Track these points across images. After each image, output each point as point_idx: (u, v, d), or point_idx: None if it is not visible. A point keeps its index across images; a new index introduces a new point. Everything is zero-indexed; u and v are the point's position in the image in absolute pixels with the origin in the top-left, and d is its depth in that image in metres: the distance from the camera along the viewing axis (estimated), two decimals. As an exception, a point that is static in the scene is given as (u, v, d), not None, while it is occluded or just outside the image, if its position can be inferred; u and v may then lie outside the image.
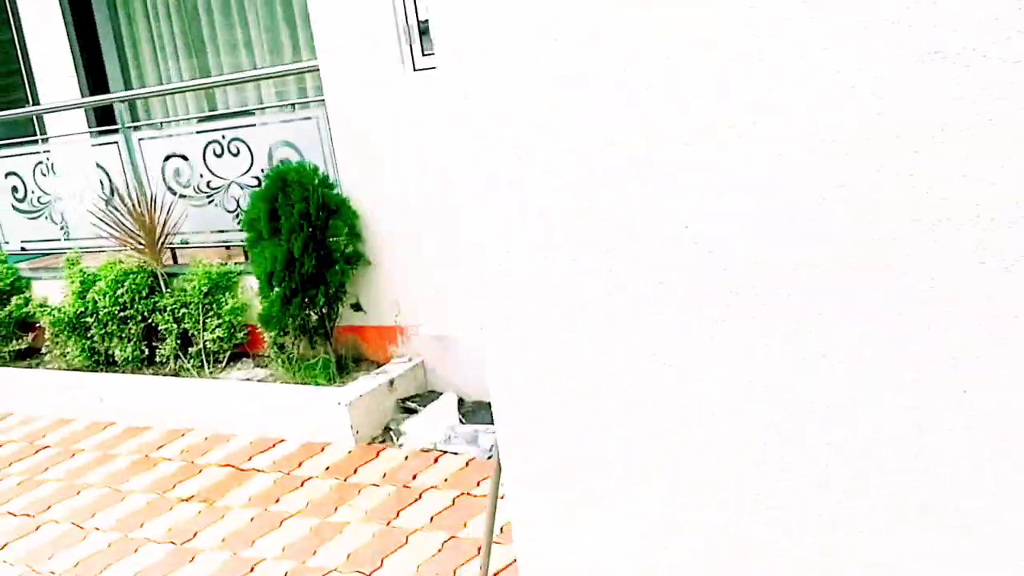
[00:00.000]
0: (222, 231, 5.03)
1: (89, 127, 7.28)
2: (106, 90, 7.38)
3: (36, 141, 6.65)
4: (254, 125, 4.87)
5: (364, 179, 4.19)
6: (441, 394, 4.14)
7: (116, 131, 5.29)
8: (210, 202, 4.86)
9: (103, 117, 7.36)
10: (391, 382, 4.07)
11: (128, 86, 7.46)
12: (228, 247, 5.02)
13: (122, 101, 5.11)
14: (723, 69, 1.25)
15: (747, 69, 1.24)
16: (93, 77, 7.40)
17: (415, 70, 3.94)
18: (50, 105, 6.62)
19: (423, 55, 3.92)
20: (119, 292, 4.71)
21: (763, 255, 1.29)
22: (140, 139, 5.01)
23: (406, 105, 3.96)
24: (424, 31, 3.88)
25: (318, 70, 4.22)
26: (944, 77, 1.14)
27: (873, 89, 1.17)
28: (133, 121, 7.29)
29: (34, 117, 7.73)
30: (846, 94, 1.18)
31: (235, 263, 4.78)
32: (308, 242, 4.00)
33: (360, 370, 4.34)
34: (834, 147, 1.21)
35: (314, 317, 4.24)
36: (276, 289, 4.09)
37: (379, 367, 4.30)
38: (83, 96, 7.35)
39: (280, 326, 4.17)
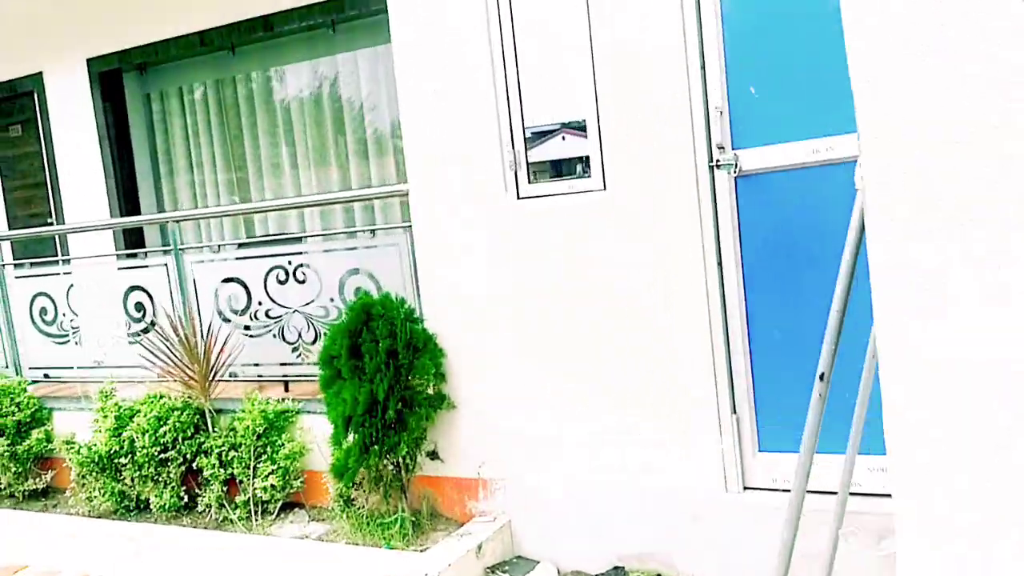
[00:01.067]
0: (275, 364, 4.61)
1: (116, 248, 6.96)
2: (137, 211, 7.11)
3: (58, 261, 6.29)
4: (324, 251, 4.51)
5: (451, 314, 3.79)
6: (535, 563, 3.62)
7: (165, 252, 4.94)
8: (267, 332, 4.45)
9: (133, 239, 7.06)
10: (479, 546, 3.56)
11: (161, 208, 7.20)
12: (285, 382, 4.58)
13: (176, 221, 4.74)
14: None
15: None
16: (125, 197, 7.14)
17: (519, 198, 3.62)
18: (94, 223, 6.32)
19: (529, 183, 3.61)
20: (162, 431, 4.21)
21: None
22: (193, 262, 4.63)
23: (508, 235, 3.62)
24: (532, 158, 3.57)
25: (407, 195, 3.89)
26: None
27: None
28: (165, 244, 6.99)
29: (56, 236, 7.42)
30: None
31: (292, 400, 4.33)
32: (393, 384, 3.56)
33: (436, 529, 3.83)
34: None
35: (390, 467, 3.76)
36: (353, 435, 3.62)
37: (459, 526, 3.79)
38: (112, 216, 7.07)
39: (353, 478, 3.67)
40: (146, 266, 5.39)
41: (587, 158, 3.48)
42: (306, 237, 5.66)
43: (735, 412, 3.31)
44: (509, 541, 3.74)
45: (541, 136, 3.59)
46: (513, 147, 3.60)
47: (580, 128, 3.48)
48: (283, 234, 6.07)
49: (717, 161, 3.21)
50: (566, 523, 3.61)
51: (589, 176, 3.47)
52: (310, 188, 6.52)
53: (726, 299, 3.28)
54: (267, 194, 6.66)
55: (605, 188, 3.42)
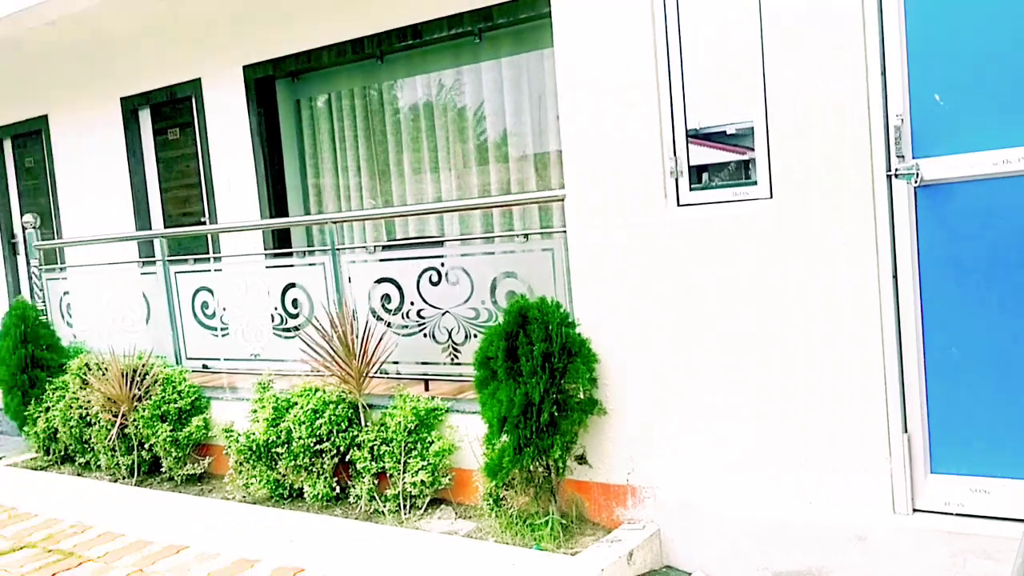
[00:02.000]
0: (413, 363, 4.72)
1: (265, 248, 7.27)
2: (285, 213, 7.41)
3: (209, 259, 6.59)
4: (477, 254, 4.59)
5: (605, 320, 3.79)
6: (687, 575, 3.57)
7: (311, 252, 5.12)
8: (419, 331, 4.56)
9: (279, 239, 7.36)
10: (630, 554, 3.54)
11: (306, 210, 7.47)
12: (425, 380, 4.69)
13: (335, 223, 4.91)
14: None
15: None
16: (275, 199, 7.45)
17: (679, 205, 3.59)
18: (255, 223, 6.62)
19: (690, 189, 3.57)
20: (318, 423, 4.37)
21: None
22: (348, 262, 4.78)
23: (666, 243, 3.59)
24: (695, 164, 3.54)
25: (562, 200, 3.92)
26: None
27: None
28: (309, 244, 7.25)
29: (208, 234, 7.79)
30: None
31: (440, 399, 4.41)
32: (548, 387, 3.59)
33: (584, 533, 3.83)
34: None
35: (541, 469, 3.78)
36: (506, 436, 3.66)
37: (606, 531, 3.78)
38: (263, 217, 7.38)
39: (506, 477, 3.71)
40: (291, 265, 5.62)
41: (750, 163, 3.42)
42: (459, 240, 5.78)
43: (906, 431, 3.19)
44: (659, 550, 3.70)
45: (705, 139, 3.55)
46: (675, 152, 3.58)
47: (728, 139, 3.44)
48: (432, 237, 6.22)
49: (896, 171, 3.10)
50: (719, 535, 3.55)
51: (755, 183, 3.42)
52: (450, 192, 6.65)
53: (900, 314, 3.16)
54: (408, 198, 6.84)
55: (772, 196, 3.36)
